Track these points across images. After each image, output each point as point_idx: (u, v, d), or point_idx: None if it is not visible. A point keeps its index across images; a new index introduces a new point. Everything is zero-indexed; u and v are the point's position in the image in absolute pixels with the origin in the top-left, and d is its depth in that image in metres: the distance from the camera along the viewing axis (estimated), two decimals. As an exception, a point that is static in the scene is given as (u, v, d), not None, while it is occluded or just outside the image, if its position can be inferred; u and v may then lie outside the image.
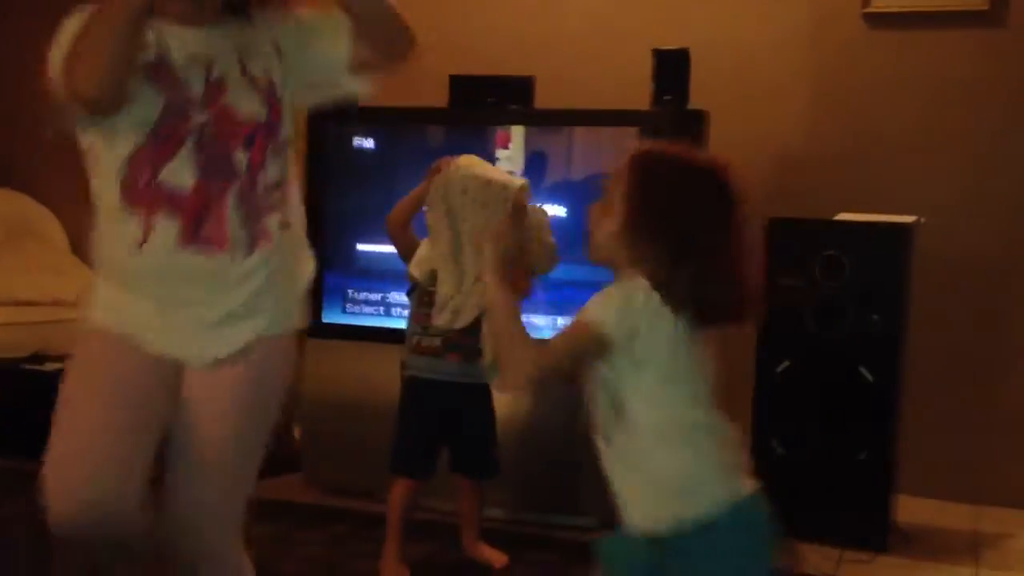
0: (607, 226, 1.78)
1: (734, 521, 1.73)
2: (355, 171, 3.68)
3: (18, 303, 4.41)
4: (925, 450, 3.66)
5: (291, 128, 2.02)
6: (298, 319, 2.06)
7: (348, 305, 3.66)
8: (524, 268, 2.71)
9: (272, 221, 1.95)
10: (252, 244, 1.92)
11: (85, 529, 1.86)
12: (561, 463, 3.44)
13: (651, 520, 1.78)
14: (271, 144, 1.94)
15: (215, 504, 1.96)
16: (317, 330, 3.67)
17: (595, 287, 3.34)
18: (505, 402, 3.33)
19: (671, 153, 1.80)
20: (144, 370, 1.93)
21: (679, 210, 1.74)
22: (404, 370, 3.00)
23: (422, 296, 2.95)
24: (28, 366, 4.09)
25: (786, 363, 3.34)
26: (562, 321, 3.44)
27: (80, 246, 4.87)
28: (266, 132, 1.93)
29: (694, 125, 3.32)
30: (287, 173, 1.99)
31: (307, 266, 2.10)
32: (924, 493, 3.68)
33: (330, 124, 3.69)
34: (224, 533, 1.99)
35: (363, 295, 3.65)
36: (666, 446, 1.74)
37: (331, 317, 3.66)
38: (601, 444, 1.85)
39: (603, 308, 1.73)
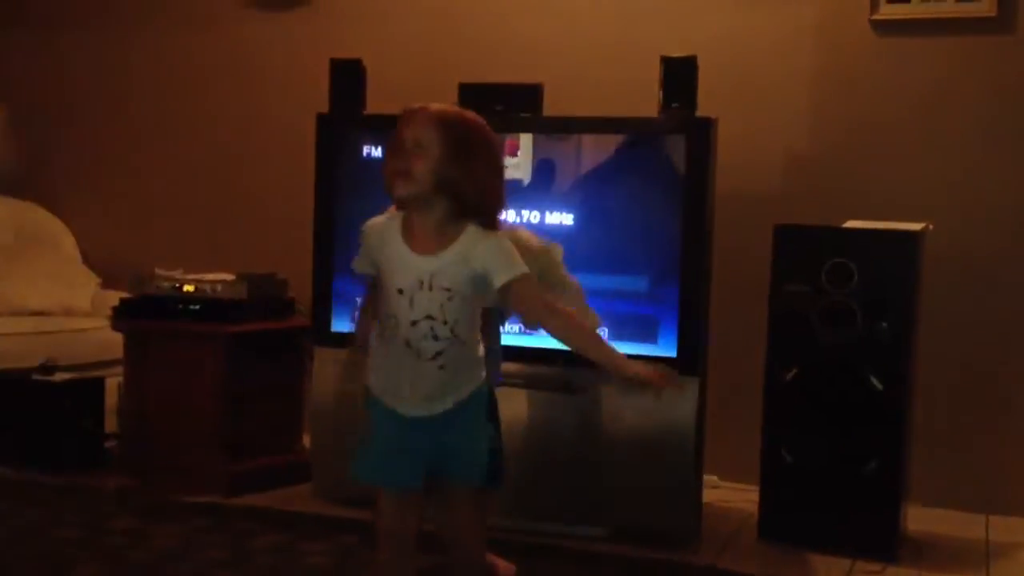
0: (421, 168, 2.28)
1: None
2: (364, 179, 3.68)
3: (29, 313, 4.43)
4: (936, 459, 3.64)
5: None
6: None
7: (358, 313, 3.65)
8: None
9: None
10: None
11: None
12: (571, 472, 3.43)
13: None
14: None
15: None
16: (326, 339, 3.68)
17: (604, 295, 3.37)
18: (512, 411, 3.33)
19: (465, 115, 2.38)
20: None
21: (480, 158, 2.33)
22: None
23: None
24: (37, 376, 4.10)
25: (794, 371, 3.33)
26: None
27: (90, 257, 4.90)
28: None
29: (702, 132, 3.32)
30: None
31: None
32: (935, 503, 3.66)
33: (339, 133, 3.70)
34: None
35: (371, 304, 3.64)
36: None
37: (340, 326, 3.67)
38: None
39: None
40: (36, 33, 5.04)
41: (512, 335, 3.10)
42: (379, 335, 2.42)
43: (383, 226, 2.42)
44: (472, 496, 2.63)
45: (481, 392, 2.52)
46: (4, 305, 4.36)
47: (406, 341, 2.35)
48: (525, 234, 2.97)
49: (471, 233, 2.33)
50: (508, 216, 3.47)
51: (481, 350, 2.50)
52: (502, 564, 3.05)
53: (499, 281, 2.32)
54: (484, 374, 2.52)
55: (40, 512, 3.45)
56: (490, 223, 2.37)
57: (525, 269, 2.35)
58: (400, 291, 2.35)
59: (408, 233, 2.37)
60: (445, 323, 2.34)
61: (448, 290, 2.33)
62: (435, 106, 2.36)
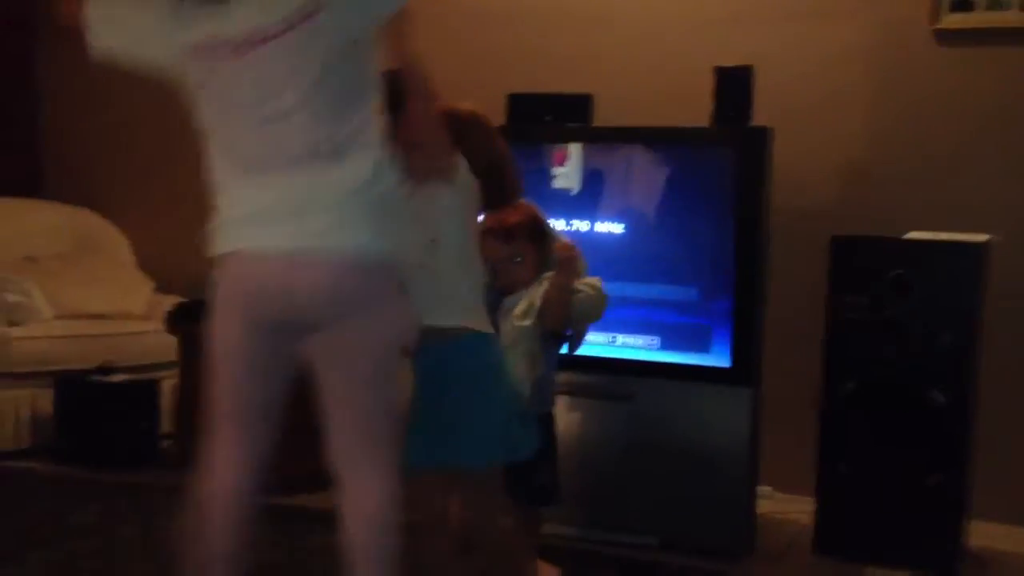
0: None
1: None
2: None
3: (87, 316, 4.49)
4: (1001, 474, 3.56)
5: None
6: None
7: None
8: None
9: None
10: None
11: None
12: (619, 480, 3.42)
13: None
14: None
15: None
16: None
17: (656, 305, 3.35)
18: (565, 419, 3.32)
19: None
20: None
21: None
22: None
23: None
24: (95, 377, 4.16)
25: (853, 384, 3.29)
26: (621, 339, 3.42)
27: (146, 261, 4.96)
28: None
29: (757, 142, 3.29)
30: None
31: None
32: (999, 518, 3.58)
33: (387, 143, 3.70)
34: None
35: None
36: None
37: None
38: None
39: None
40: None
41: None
42: None
43: None
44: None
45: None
46: (63, 309, 4.43)
47: None
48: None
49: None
50: (559, 225, 3.45)
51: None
52: (548, 569, 3.04)
53: None
54: None
55: (98, 509, 3.49)
56: None
57: None
58: None
59: None
60: None
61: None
62: None
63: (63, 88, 5.18)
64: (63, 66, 5.16)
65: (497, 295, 2.86)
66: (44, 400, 4.17)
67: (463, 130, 2.53)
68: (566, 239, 2.92)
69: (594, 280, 2.89)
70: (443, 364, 2.49)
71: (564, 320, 2.83)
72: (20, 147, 5.20)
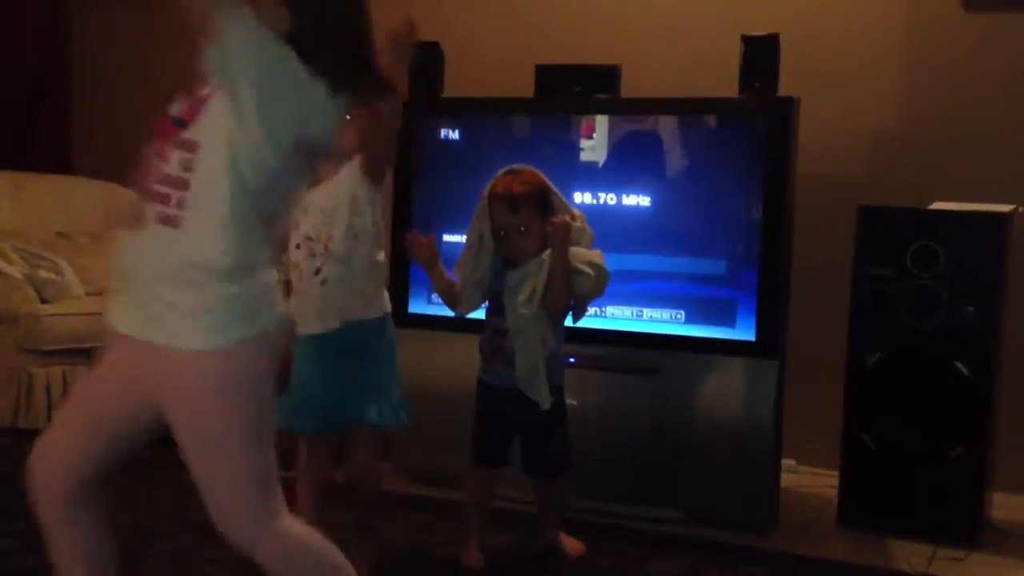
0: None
1: None
2: (441, 162, 3.70)
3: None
4: (1021, 445, 3.54)
5: None
6: None
7: (434, 295, 3.68)
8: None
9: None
10: None
11: None
12: (644, 454, 3.42)
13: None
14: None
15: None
16: (403, 320, 3.71)
17: (682, 278, 3.35)
18: (590, 393, 3.33)
19: None
20: None
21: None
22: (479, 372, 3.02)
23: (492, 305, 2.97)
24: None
25: (877, 356, 3.27)
26: (647, 313, 3.42)
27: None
28: None
29: (784, 112, 3.27)
30: None
31: None
32: (1021, 490, 3.57)
33: (417, 115, 3.71)
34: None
35: (449, 285, 3.67)
36: None
37: (417, 307, 3.70)
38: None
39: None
40: (124, 14, 5.14)
41: (589, 318, 3.09)
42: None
43: None
44: (373, 438, 2.79)
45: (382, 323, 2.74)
46: (95, 285, 4.47)
47: (295, 264, 2.69)
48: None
49: (351, 168, 2.64)
50: (585, 198, 3.46)
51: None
52: (571, 543, 3.07)
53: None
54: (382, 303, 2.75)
55: (129, 484, 3.53)
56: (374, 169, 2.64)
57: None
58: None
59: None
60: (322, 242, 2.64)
61: (323, 211, 2.64)
62: None
63: (95, 65, 5.23)
64: (95, 43, 5.21)
65: (501, 262, 2.92)
66: (76, 377, 4.20)
67: None
68: (566, 213, 2.90)
69: (594, 255, 2.90)
70: (342, 340, 2.68)
71: (566, 302, 2.88)
72: (52, 124, 5.25)
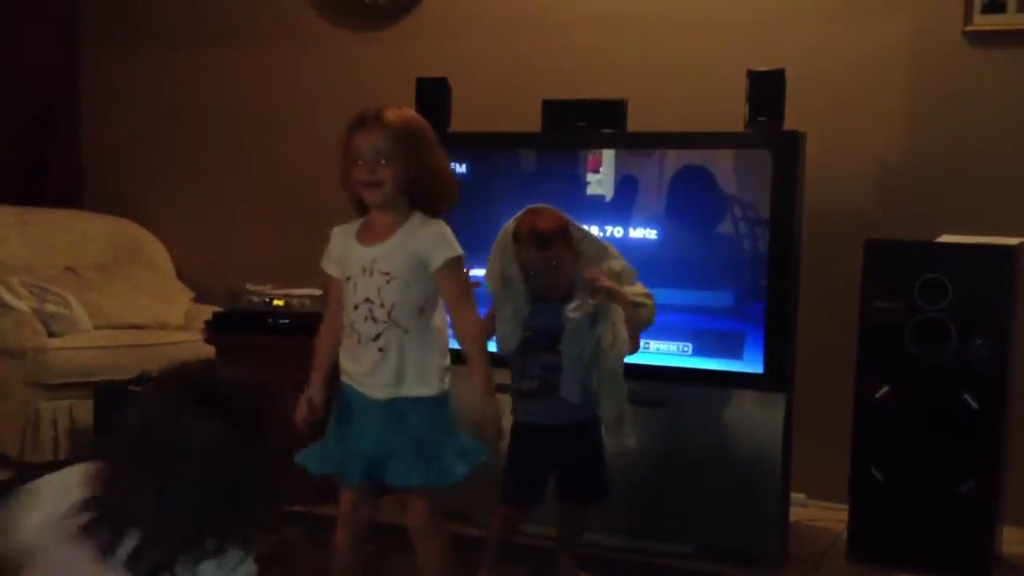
0: (388, 176, 2.54)
1: None
2: (449, 196, 3.71)
3: (126, 326, 4.55)
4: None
5: None
6: None
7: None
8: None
9: None
10: None
11: None
12: (656, 487, 3.41)
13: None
14: None
15: None
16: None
17: (689, 311, 3.35)
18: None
19: (411, 117, 2.64)
20: None
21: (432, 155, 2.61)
22: (512, 413, 3.02)
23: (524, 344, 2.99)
24: (134, 387, 4.20)
25: (886, 389, 3.27)
26: (654, 345, 3.41)
27: (184, 272, 5.02)
28: None
29: (790, 145, 3.28)
30: None
31: None
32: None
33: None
34: None
35: (456, 319, 3.67)
36: None
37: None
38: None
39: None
40: (133, 51, 5.19)
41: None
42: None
43: (345, 228, 2.72)
44: (423, 501, 2.65)
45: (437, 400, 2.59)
46: (102, 319, 4.48)
47: (351, 325, 2.55)
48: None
49: (415, 220, 2.55)
50: (592, 232, 3.46)
51: (438, 347, 2.60)
52: None
53: (435, 263, 2.52)
54: (440, 382, 2.59)
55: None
56: (434, 211, 2.58)
57: (459, 252, 2.55)
58: (348, 279, 2.58)
59: (363, 229, 2.65)
60: (382, 306, 2.50)
61: (386, 274, 2.51)
62: (387, 114, 2.57)
63: (105, 100, 5.26)
64: (105, 78, 5.25)
65: (533, 298, 2.97)
66: (83, 411, 4.21)
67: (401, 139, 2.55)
68: (600, 256, 3.01)
69: (639, 287, 3.01)
70: (394, 407, 2.58)
71: (637, 343, 2.99)
72: (62, 158, 5.28)
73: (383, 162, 2.53)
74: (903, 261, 3.27)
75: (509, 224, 3.01)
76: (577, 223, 3.02)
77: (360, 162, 2.56)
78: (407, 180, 2.53)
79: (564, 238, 2.94)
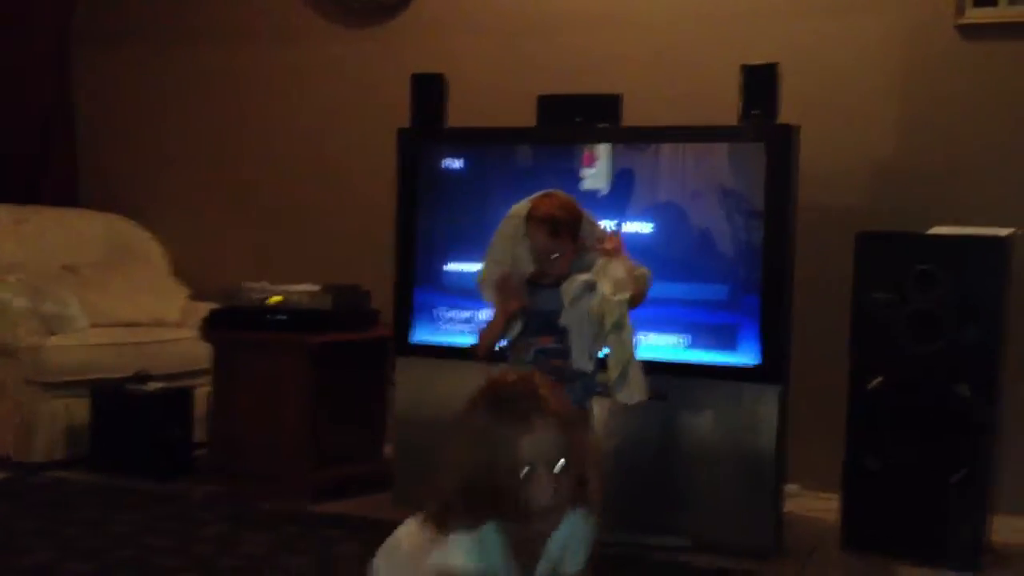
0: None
1: None
2: (444, 191, 3.74)
3: (121, 324, 4.56)
4: (1022, 467, 3.55)
5: None
6: None
7: (437, 323, 3.71)
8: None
9: None
10: None
11: None
12: (652, 481, 3.43)
13: None
14: None
15: None
16: (407, 349, 3.73)
17: (684, 304, 3.36)
18: (597, 419, 3.34)
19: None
20: None
21: None
22: None
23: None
24: (130, 386, 4.22)
25: (879, 379, 3.29)
26: (654, 338, 3.43)
27: (180, 269, 5.03)
28: None
29: (784, 139, 3.30)
30: None
31: None
32: (1021, 512, 3.57)
33: (420, 144, 3.76)
34: None
35: (452, 313, 3.69)
36: None
37: (421, 336, 3.72)
38: None
39: None
40: (127, 50, 5.20)
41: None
42: None
43: None
44: None
45: None
46: (98, 317, 4.49)
47: None
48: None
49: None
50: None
51: None
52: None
53: None
54: None
55: (133, 518, 3.54)
56: None
57: None
58: None
59: None
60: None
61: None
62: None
63: (100, 98, 5.27)
64: (100, 77, 5.26)
65: (528, 283, 3.03)
66: (80, 409, 4.22)
67: None
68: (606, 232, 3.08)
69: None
70: None
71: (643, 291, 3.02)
72: (58, 157, 5.28)
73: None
74: (895, 253, 3.30)
75: (521, 207, 3.04)
76: (591, 215, 3.09)
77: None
78: None
79: (574, 230, 2.98)
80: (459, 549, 1.71)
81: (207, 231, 5.07)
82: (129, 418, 4.16)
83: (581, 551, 1.84)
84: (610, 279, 2.91)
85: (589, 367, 2.98)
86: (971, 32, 3.73)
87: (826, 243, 3.66)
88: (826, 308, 3.62)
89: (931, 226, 3.40)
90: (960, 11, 3.73)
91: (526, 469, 1.58)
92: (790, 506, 3.58)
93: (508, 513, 1.66)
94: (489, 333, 3.07)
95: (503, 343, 3.09)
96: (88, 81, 5.30)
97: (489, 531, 1.70)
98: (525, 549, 1.76)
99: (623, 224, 3.49)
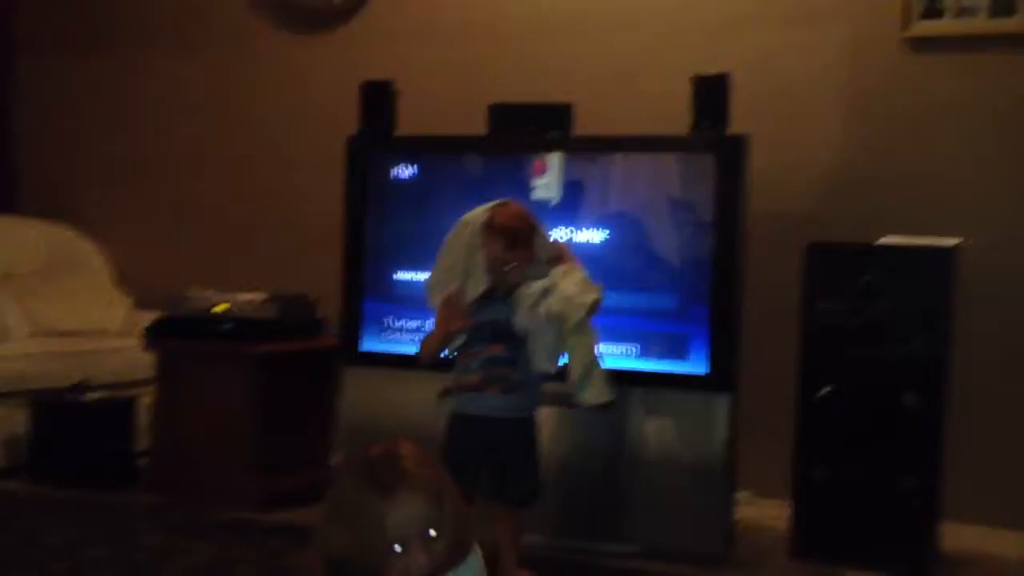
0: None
1: None
2: (394, 200, 3.71)
3: (62, 333, 4.46)
4: (972, 476, 3.58)
5: None
6: None
7: (386, 333, 3.67)
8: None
9: None
10: None
11: None
12: (603, 489, 3.42)
13: None
14: None
15: None
16: (355, 359, 3.69)
17: (635, 313, 3.36)
18: (548, 426, 3.32)
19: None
20: None
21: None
22: (449, 404, 3.05)
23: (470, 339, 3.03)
24: (70, 396, 4.13)
25: (827, 388, 3.31)
26: (604, 348, 3.42)
27: (124, 278, 4.94)
28: None
29: (734, 149, 3.32)
30: None
31: None
32: (971, 520, 3.61)
33: (370, 152, 3.72)
34: None
35: (401, 322, 3.66)
36: None
37: (370, 345, 3.68)
38: None
39: None
40: (68, 56, 5.11)
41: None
42: None
43: None
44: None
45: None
46: (37, 326, 4.40)
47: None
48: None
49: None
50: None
51: None
52: None
53: None
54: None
55: (72, 530, 3.46)
56: None
57: None
58: None
59: None
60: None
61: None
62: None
63: (40, 104, 5.18)
64: (40, 83, 5.17)
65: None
66: (19, 420, 4.11)
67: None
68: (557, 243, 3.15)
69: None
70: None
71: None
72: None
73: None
74: (843, 263, 3.32)
75: (475, 215, 3.02)
76: (540, 225, 3.09)
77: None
78: None
79: (530, 240, 2.99)
80: None
81: (152, 239, 4.99)
82: (69, 428, 4.07)
83: None
84: (572, 282, 2.94)
85: (551, 369, 2.99)
86: (919, 45, 3.78)
87: (777, 252, 3.68)
88: (776, 317, 3.64)
89: (881, 235, 3.43)
90: (907, 24, 3.77)
91: (396, 544, 1.49)
92: (742, 513, 3.59)
93: None
94: (430, 344, 3.08)
95: (448, 353, 3.07)
96: (29, 87, 5.20)
97: None
98: None
99: (575, 233, 3.48)
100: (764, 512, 3.74)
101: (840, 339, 3.29)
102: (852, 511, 3.28)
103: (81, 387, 4.16)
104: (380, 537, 1.49)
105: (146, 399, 4.18)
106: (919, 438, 3.22)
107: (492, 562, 3.05)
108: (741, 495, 3.63)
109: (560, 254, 3.05)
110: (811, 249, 3.36)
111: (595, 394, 2.97)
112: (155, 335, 4.02)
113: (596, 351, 2.98)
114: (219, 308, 3.96)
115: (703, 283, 3.33)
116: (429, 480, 1.53)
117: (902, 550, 3.23)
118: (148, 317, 4.20)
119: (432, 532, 1.49)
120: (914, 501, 3.21)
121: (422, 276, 3.37)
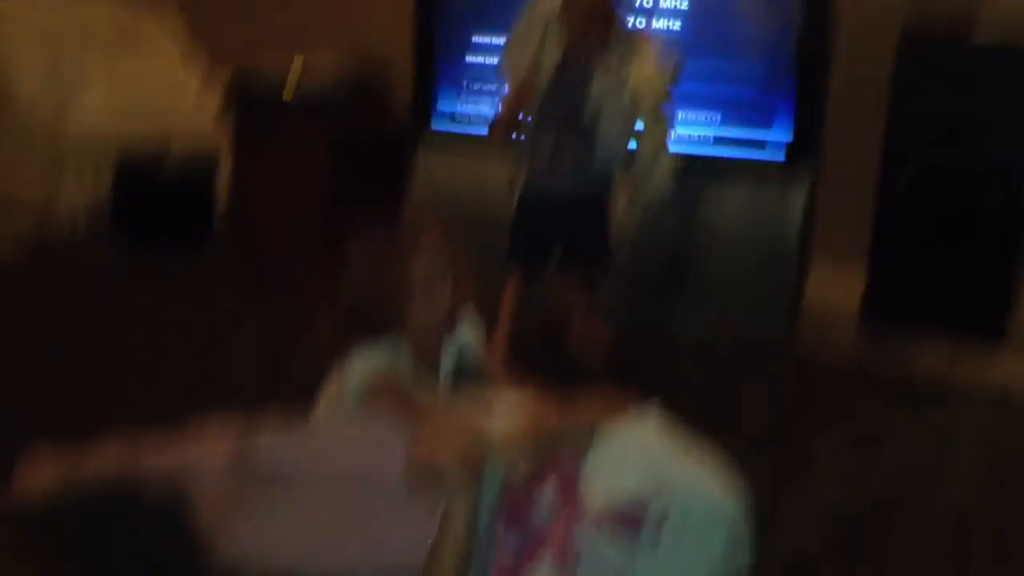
0: None
1: None
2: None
3: (143, 105, 4.41)
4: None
5: None
6: None
7: (464, 95, 3.64)
8: None
9: None
10: None
11: None
12: (672, 270, 3.38)
13: None
14: None
15: None
16: (427, 134, 3.69)
17: (719, 79, 3.26)
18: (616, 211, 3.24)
19: None
20: None
21: None
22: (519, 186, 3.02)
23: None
24: (151, 164, 4.15)
25: (912, 168, 3.23)
26: (682, 114, 3.33)
27: (197, 41, 4.80)
28: None
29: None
30: None
31: None
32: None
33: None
34: None
35: (477, 85, 3.63)
36: None
37: (445, 107, 3.67)
38: None
39: None
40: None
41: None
42: None
43: None
44: None
45: None
46: (120, 97, 4.36)
47: None
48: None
49: None
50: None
51: None
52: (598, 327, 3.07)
53: None
54: None
55: (150, 294, 3.52)
56: None
57: None
58: None
59: None
60: None
61: None
62: None
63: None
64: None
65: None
66: (102, 186, 4.16)
67: None
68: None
69: None
70: None
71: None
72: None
73: None
74: (935, 58, 3.18)
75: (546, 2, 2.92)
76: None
77: None
78: None
79: (610, 17, 2.90)
80: (368, 355, 1.91)
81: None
82: (151, 194, 4.11)
83: None
84: (650, 65, 2.86)
85: (621, 149, 2.93)
86: None
87: (869, 30, 3.50)
88: (863, 98, 3.49)
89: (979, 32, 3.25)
90: None
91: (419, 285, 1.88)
92: (814, 283, 3.53)
93: (406, 324, 1.91)
94: (499, 127, 2.99)
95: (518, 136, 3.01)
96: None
97: (391, 340, 1.92)
98: (426, 353, 1.97)
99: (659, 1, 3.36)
100: (837, 281, 3.65)
101: (927, 120, 3.19)
102: (928, 276, 3.22)
103: (160, 156, 4.16)
104: (406, 278, 1.87)
105: (224, 171, 4.18)
106: (1001, 207, 3.15)
107: (565, 328, 3.09)
108: (816, 268, 3.57)
109: (641, 39, 2.94)
110: (903, 40, 3.21)
111: (657, 184, 2.93)
112: (230, 112, 4.00)
113: (668, 138, 2.92)
114: (292, 76, 3.89)
115: (792, 49, 3.22)
116: (445, 238, 1.92)
117: (978, 309, 3.18)
118: (219, 94, 4.14)
119: (448, 278, 1.87)
120: (992, 262, 3.16)
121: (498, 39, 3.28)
